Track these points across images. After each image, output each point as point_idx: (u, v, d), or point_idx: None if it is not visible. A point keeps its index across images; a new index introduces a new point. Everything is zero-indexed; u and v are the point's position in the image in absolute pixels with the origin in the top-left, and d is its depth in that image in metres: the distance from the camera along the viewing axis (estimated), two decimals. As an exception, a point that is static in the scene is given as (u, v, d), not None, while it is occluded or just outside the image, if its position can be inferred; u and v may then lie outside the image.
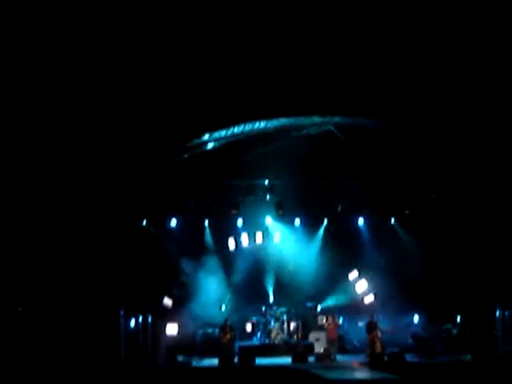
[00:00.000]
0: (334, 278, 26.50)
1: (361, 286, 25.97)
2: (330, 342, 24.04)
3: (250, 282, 26.08)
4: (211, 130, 22.11)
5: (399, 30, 19.41)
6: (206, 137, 22.28)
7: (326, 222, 27.01)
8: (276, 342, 25.36)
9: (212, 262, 26.20)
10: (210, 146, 23.36)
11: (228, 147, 23.27)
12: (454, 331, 24.02)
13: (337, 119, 22.38)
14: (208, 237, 26.52)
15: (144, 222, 24.87)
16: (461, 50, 19.64)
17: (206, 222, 26.37)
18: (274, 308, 26.26)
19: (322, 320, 25.45)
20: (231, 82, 20.20)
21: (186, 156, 22.85)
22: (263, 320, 26.08)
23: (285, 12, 19.05)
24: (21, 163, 20.26)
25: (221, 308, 25.99)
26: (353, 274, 26.24)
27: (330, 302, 26.32)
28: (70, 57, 18.90)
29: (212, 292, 25.61)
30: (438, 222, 25.09)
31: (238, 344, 24.53)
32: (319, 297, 26.53)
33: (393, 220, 26.73)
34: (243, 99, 20.47)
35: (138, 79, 20.01)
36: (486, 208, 23.29)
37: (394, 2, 18.86)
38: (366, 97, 20.68)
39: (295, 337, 25.65)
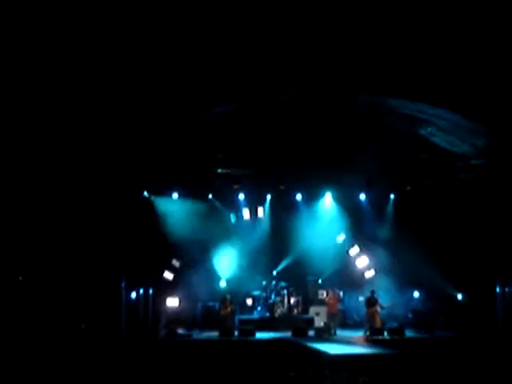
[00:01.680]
0: (335, 252, 26.49)
1: (362, 261, 26.06)
2: (330, 316, 24.14)
3: (251, 256, 26.07)
4: (215, 105, 22.06)
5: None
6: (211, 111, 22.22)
7: (329, 196, 26.83)
8: (276, 315, 25.46)
9: (215, 236, 26.22)
10: (213, 120, 23.25)
11: (229, 123, 23.19)
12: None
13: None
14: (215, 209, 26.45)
15: (146, 194, 24.79)
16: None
17: (211, 196, 26.26)
18: (275, 282, 26.32)
19: (323, 294, 25.58)
20: (236, 59, 20.10)
21: (187, 130, 22.81)
22: (264, 294, 26.17)
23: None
24: (17, 140, 20.23)
25: (221, 282, 26.08)
26: (354, 250, 26.30)
27: (331, 276, 26.36)
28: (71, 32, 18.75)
29: (213, 265, 25.75)
30: (439, 199, 25.05)
31: (238, 317, 24.65)
32: (320, 271, 26.56)
33: (392, 196, 26.60)
34: (247, 75, 20.39)
35: (143, 54, 19.88)
36: (486, 185, 23.27)
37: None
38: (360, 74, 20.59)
39: (295, 311, 25.75)
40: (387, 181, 25.76)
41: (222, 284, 25.92)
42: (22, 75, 18.85)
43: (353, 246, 26.34)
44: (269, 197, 26.73)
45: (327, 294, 24.96)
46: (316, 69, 20.42)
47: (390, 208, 26.54)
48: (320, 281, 26.69)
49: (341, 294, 25.52)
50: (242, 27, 19.17)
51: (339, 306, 25.06)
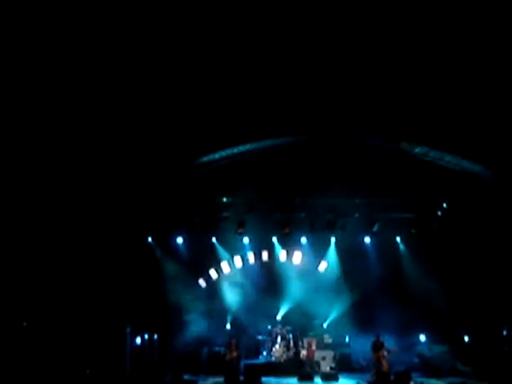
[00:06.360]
0: (339, 296, 26.44)
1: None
2: (309, 360, 24.21)
3: (257, 300, 26.01)
4: (218, 148, 22.28)
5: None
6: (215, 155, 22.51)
7: (333, 240, 26.86)
8: (282, 360, 25.25)
9: (219, 279, 26.31)
10: (216, 163, 23.46)
11: (233, 165, 23.41)
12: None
13: None
14: (218, 253, 26.45)
15: (150, 239, 24.85)
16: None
17: (214, 239, 26.28)
18: (280, 326, 26.17)
19: (329, 339, 25.45)
20: (236, 103, 20.37)
21: (192, 173, 23.01)
22: (269, 338, 26.00)
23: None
24: (27, 177, 20.36)
25: (225, 326, 26.00)
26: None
27: (336, 319, 26.30)
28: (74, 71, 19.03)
29: (218, 309, 25.73)
30: (444, 241, 25.06)
31: (243, 362, 24.44)
32: (325, 315, 26.49)
33: (398, 239, 26.63)
34: (252, 118, 20.63)
35: (147, 98, 20.15)
36: (493, 225, 23.32)
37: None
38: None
39: (301, 355, 25.53)
40: (391, 224, 25.76)
41: (227, 328, 25.87)
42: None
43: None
44: (275, 239, 26.74)
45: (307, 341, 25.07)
46: (319, 113, 20.74)
47: (406, 251, 26.49)
48: (325, 325, 26.58)
49: (347, 338, 25.52)
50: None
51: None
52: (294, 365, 24.71)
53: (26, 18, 17.82)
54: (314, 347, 24.69)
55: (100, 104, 20.06)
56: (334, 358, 24.51)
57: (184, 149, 21.46)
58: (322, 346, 25.59)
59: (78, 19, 17.74)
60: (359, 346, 25.33)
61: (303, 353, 25.15)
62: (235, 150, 22.89)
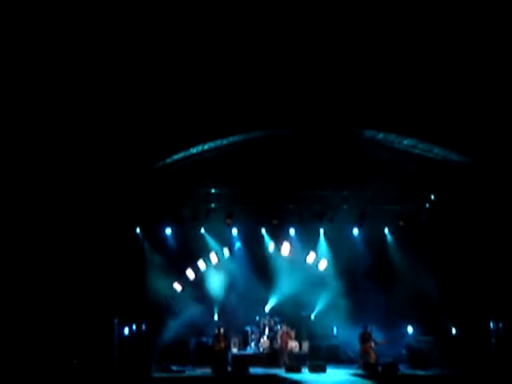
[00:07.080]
0: (327, 288, 26.49)
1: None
2: (281, 352, 24.25)
3: (245, 292, 25.99)
4: (207, 139, 22.22)
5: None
6: (204, 146, 22.47)
7: (322, 231, 26.87)
8: (270, 351, 25.27)
9: (207, 269, 26.27)
10: (206, 154, 23.43)
11: (222, 156, 23.38)
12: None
13: None
14: (207, 244, 26.41)
15: (138, 230, 24.76)
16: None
17: (203, 230, 26.24)
18: (268, 317, 26.18)
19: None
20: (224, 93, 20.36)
21: (180, 164, 22.97)
22: (257, 329, 26.02)
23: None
24: (16, 173, 20.29)
25: (213, 317, 26.00)
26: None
27: (324, 310, 26.37)
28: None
29: (206, 300, 25.73)
30: (433, 233, 25.13)
31: (231, 353, 24.48)
32: (313, 306, 26.53)
33: (387, 231, 26.64)
34: (241, 109, 20.61)
35: (139, 89, 20.10)
36: (481, 218, 23.41)
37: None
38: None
39: (289, 346, 25.55)
40: (380, 216, 25.75)
41: (215, 319, 25.87)
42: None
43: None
44: (264, 230, 26.72)
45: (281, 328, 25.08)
46: (308, 105, 20.75)
47: (394, 243, 26.56)
48: (313, 316, 26.63)
49: (334, 330, 25.59)
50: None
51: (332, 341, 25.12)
52: (282, 356, 24.74)
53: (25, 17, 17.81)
54: (286, 338, 24.72)
55: (89, 96, 20.02)
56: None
57: (173, 139, 21.40)
58: (309, 337, 25.72)
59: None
60: (347, 337, 25.44)
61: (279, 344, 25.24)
62: (224, 141, 22.85)
